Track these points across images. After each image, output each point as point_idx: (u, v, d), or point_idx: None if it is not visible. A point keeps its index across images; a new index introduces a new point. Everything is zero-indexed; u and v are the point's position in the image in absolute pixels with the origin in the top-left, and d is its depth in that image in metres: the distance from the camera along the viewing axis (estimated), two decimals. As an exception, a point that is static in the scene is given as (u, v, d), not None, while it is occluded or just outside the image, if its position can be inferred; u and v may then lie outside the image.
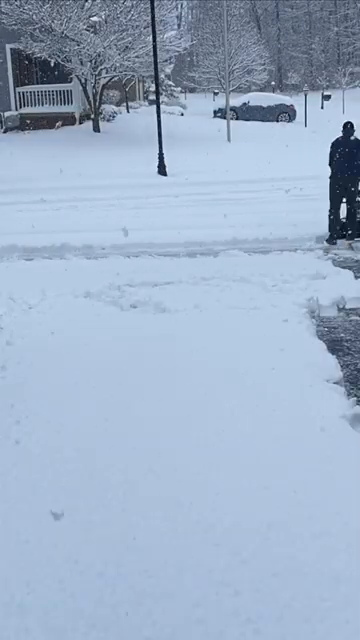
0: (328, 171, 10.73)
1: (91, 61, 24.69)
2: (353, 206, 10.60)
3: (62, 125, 26.42)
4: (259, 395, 5.06)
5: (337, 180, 10.54)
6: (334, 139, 10.80)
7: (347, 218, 10.57)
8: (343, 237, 10.55)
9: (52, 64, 25.05)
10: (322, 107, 43.74)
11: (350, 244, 10.40)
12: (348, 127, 10.63)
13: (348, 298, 7.50)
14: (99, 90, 25.63)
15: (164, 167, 18.97)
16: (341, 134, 10.68)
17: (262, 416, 4.74)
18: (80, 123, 26.66)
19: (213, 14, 49.00)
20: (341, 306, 7.41)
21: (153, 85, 25.77)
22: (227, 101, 29.00)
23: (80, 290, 7.93)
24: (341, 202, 10.63)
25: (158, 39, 20.53)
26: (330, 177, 10.65)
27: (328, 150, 10.77)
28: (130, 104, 33.46)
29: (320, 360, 5.77)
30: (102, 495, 3.87)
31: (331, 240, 10.53)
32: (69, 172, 18.70)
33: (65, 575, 3.26)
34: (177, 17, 62.93)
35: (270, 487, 3.89)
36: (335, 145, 10.74)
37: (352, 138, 10.57)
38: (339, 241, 10.52)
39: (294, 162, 19.15)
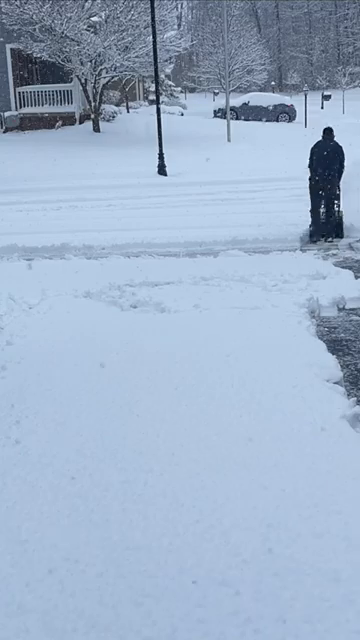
0: (307, 172, 11.03)
1: (91, 61, 24.70)
2: (331, 207, 10.92)
3: (62, 125, 26.43)
4: (259, 395, 5.06)
5: (316, 182, 10.88)
6: (314, 143, 11.16)
7: (325, 218, 10.95)
8: (323, 236, 10.87)
9: (52, 64, 25.06)
10: (322, 107, 43.73)
11: (331, 242, 10.74)
12: (327, 132, 11.04)
13: (348, 298, 7.50)
14: (99, 90, 25.64)
15: (164, 167, 18.97)
16: (321, 138, 11.03)
17: (262, 416, 4.74)
18: (80, 123, 26.67)
19: (213, 14, 49.02)
20: (341, 306, 7.40)
21: (153, 85, 25.77)
22: (227, 101, 29.00)
23: (80, 290, 7.93)
24: (321, 203, 10.96)
25: (158, 39, 20.53)
26: (309, 179, 10.97)
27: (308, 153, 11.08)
28: (130, 104, 33.48)
29: (320, 360, 5.77)
30: (102, 495, 3.87)
31: (312, 238, 10.84)
32: (69, 172, 18.70)
33: (65, 575, 3.26)
34: (177, 17, 62.89)
35: (270, 487, 3.89)
36: (315, 148, 11.08)
37: (331, 142, 10.95)
38: (319, 241, 10.81)
39: (297, 161, 19.11)
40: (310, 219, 11.00)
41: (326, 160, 10.85)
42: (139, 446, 4.38)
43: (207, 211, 12.99)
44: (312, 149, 11.17)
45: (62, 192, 15.90)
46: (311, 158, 11.07)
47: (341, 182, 11.02)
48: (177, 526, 3.57)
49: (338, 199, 10.99)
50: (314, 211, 10.98)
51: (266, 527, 3.54)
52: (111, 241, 10.76)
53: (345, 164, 10.97)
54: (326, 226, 10.93)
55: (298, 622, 2.95)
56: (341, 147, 10.96)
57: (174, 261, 9.59)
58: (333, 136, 11.05)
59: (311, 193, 10.97)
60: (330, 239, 10.82)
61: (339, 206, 11.02)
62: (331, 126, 11.34)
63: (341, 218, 11.06)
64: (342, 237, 10.97)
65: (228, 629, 2.92)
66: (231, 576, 3.21)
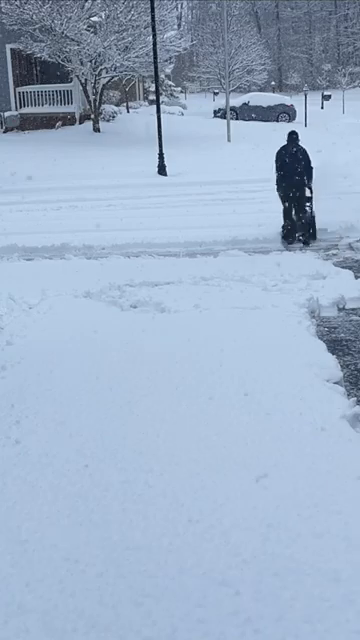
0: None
1: (91, 61, 24.69)
2: (301, 212, 10.77)
3: (62, 125, 26.43)
4: (259, 395, 5.06)
5: (284, 188, 10.75)
6: (279, 148, 11.04)
7: (296, 220, 10.78)
8: (300, 241, 10.69)
9: (52, 64, 25.06)
10: (322, 107, 43.70)
11: (306, 241, 10.60)
12: (293, 137, 10.89)
13: (348, 298, 7.50)
14: (99, 90, 25.63)
15: (164, 167, 18.96)
16: (286, 143, 10.89)
17: (262, 416, 4.75)
18: (80, 123, 26.67)
19: (213, 14, 49.03)
20: (341, 306, 7.41)
21: (153, 85, 25.76)
22: (227, 101, 28.97)
23: (80, 290, 7.94)
24: (292, 208, 10.82)
25: (158, 39, 20.51)
26: (277, 185, 10.83)
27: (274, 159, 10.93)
28: (130, 104, 33.46)
29: (320, 360, 5.77)
30: (102, 495, 3.87)
31: (288, 240, 10.62)
32: (69, 172, 18.70)
33: (65, 575, 3.26)
34: (177, 17, 62.87)
35: (270, 487, 3.89)
36: (280, 154, 10.95)
37: (296, 147, 10.81)
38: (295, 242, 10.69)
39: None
40: (282, 221, 10.84)
41: (292, 165, 10.71)
42: (139, 446, 4.38)
43: (207, 211, 12.99)
44: (277, 155, 11.04)
45: (62, 192, 15.90)
46: (277, 163, 10.95)
47: (312, 184, 10.83)
48: (177, 526, 3.57)
49: (310, 201, 10.85)
50: (286, 214, 10.82)
51: (266, 527, 3.54)
52: (111, 241, 10.76)
53: (313, 166, 10.79)
54: (301, 226, 10.77)
55: (298, 622, 2.95)
56: (305, 150, 10.84)
57: (174, 261, 9.59)
58: (298, 139, 10.93)
59: (281, 199, 10.88)
60: (303, 237, 10.65)
61: (311, 208, 10.88)
62: (296, 130, 11.20)
63: (313, 218, 10.92)
64: (315, 238, 10.79)
65: (228, 629, 2.92)
66: (231, 576, 3.21)
